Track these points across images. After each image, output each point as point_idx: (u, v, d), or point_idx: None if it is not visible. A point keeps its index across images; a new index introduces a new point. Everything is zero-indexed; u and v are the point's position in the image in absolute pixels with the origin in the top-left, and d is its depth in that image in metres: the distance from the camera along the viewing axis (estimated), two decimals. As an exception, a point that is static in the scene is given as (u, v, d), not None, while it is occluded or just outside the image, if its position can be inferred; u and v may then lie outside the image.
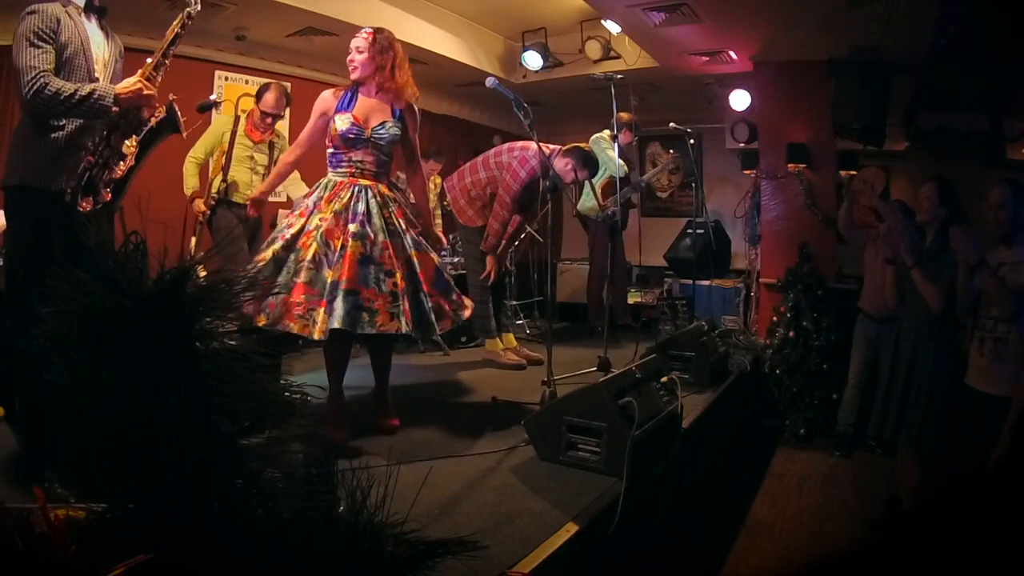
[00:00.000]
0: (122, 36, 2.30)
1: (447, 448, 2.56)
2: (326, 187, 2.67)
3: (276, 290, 2.45)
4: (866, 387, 3.81)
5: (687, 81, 5.78)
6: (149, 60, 2.11)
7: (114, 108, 2.02)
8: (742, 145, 5.74)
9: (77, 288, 1.14)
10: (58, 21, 1.98)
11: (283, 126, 4.34)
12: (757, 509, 3.37)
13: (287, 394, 1.28)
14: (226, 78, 5.06)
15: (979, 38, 3.47)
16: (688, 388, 3.35)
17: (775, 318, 4.72)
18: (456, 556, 1.23)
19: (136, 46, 3.44)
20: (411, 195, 3.22)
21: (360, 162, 2.68)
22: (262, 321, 2.41)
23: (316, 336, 2.42)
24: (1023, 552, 1.92)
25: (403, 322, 2.52)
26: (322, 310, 2.43)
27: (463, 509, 2.01)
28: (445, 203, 4.51)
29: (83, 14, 2.08)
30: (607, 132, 4.85)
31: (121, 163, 2.12)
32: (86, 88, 1.97)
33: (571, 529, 1.89)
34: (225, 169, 3.78)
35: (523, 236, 4.70)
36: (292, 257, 2.53)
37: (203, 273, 1.23)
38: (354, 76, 2.71)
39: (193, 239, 3.80)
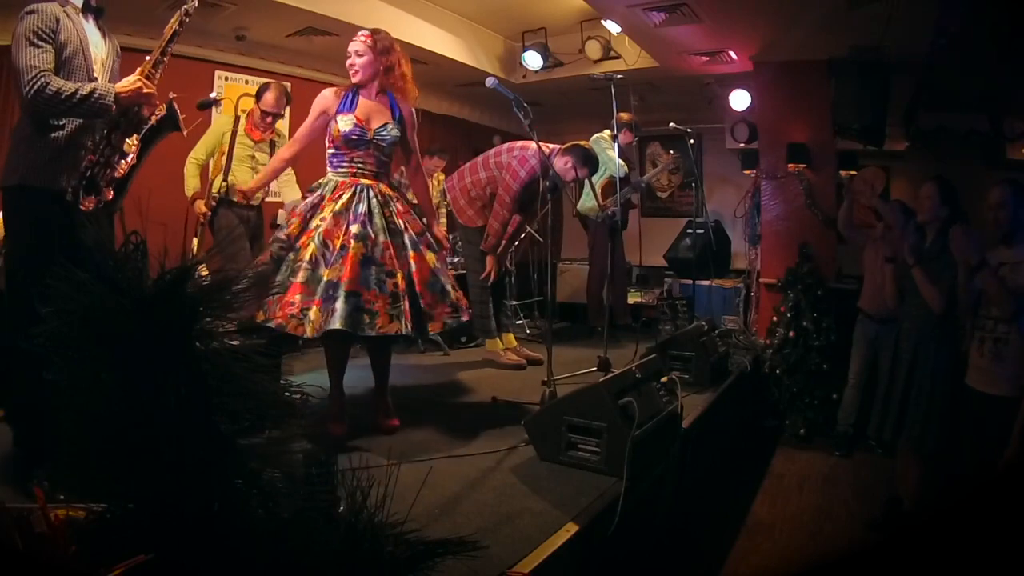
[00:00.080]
0: (121, 36, 2.30)
1: (447, 448, 2.56)
2: (327, 187, 2.68)
3: (275, 290, 2.46)
4: (866, 387, 3.81)
5: (687, 81, 5.78)
6: (148, 58, 2.11)
7: (114, 107, 2.02)
8: (742, 145, 5.74)
9: (77, 288, 1.14)
10: (57, 21, 1.97)
11: (283, 125, 4.35)
12: (757, 509, 3.37)
13: (287, 394, 1.28)
14: (226, 78, 5.06)
15: (979, 38, 3.47)
16: (688, 388, 3.35)
17: (775, 318, 4.72)
18: (456, 556, 1.23)
19: (135, 46, 3.45)
20: (413, 195, 3.22)
21: (362, 162, 2.69)
22: (259, 317, 2.43)
23: (309, 334, 2.43)
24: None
25: (403, 323, 2.52)
26: (316, 308, 2.44)
27: (463, 509, 2.01)
28: (446, 202, 4.51)
29: (81, 14, 2.08)
30: (607, 132, 4.85)
31: (123, 161, 2.12)
32: (87, 87, 1.96)
33: (571, 529, 1.89)
34: (226, 169, 3.77)
35: (523, 236, 4.71)
36: (291, 256, 2.55)
37: (205, 272, 1.23)
38: (355, 79, 2.71)
39: (195, 240, 3.80)
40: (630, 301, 5.79)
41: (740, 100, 5.50)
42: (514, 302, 5.25)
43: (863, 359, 3.89)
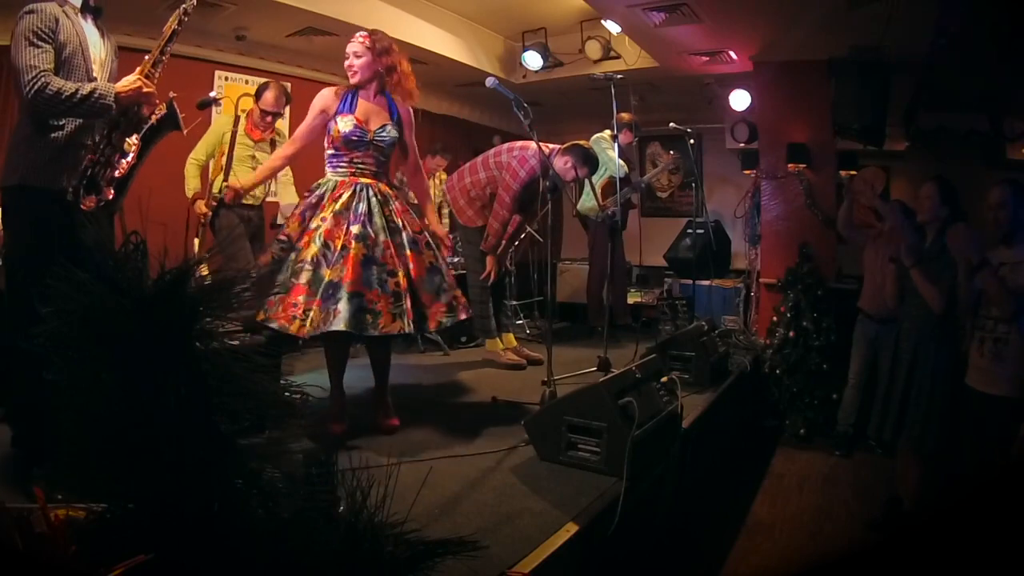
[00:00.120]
0: (121, 36, 2.31)
1: (447, 448, 2.56)
2: (327, 187, 2.68)
3: (275, 290, 2.47)
4: (866, 387, 3.81)
5: (687, 81, 5.78)
6: (147, 57, 2.11)
7: (114, 107, 2.02)
8: (742, 145, 5.74)
9: (77, 288, 1.14)
10: (56, 20, 1.97)
11: (283, 125, 4.35)
12: (757, 509, 3.36)
13: (287, 394, 1.28)
14: (226, 78, 5.06)
15: (979, 38, 3.47)
16: (688, 388, 3.35)
17: (775, 318, 4.72)
18: (456, 556, 1.23)
19: (135, 46, 3.45)
20: (413, 195, 3.23)
21: (361, 163, 2.70)
22: (259, 317, 2.44)
23: (308, 334, 2.44)
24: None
25: (406, 322, 2.53)
26: (316, 308, 2.44)
27: (463, 509, 2.01)
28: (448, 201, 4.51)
29: (79, 14, 2.08)
30: (607, 132, 4.85)
31: (124, 161, 2.12)
32: (87, 87, 1.96)
33: (571, 529, 1.89)
34: (226, 169, 3.77)
35: (523, 236, 4.70)
36: (292, 257, 2.55)
37: (205, 272, 1.23)
38: (354, 80, 2.71)
39: (196, 240, 3.80)
40: (630, 301, 5.79)
41: (740, 100, 5.50)
42: (514, 302, 5.24)
43: (863, 359, 3.89)
